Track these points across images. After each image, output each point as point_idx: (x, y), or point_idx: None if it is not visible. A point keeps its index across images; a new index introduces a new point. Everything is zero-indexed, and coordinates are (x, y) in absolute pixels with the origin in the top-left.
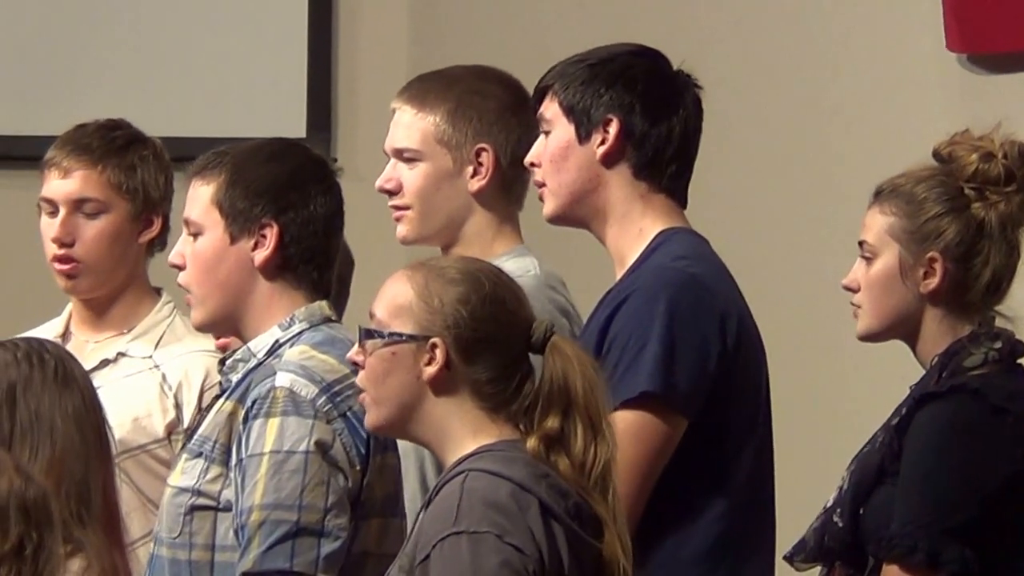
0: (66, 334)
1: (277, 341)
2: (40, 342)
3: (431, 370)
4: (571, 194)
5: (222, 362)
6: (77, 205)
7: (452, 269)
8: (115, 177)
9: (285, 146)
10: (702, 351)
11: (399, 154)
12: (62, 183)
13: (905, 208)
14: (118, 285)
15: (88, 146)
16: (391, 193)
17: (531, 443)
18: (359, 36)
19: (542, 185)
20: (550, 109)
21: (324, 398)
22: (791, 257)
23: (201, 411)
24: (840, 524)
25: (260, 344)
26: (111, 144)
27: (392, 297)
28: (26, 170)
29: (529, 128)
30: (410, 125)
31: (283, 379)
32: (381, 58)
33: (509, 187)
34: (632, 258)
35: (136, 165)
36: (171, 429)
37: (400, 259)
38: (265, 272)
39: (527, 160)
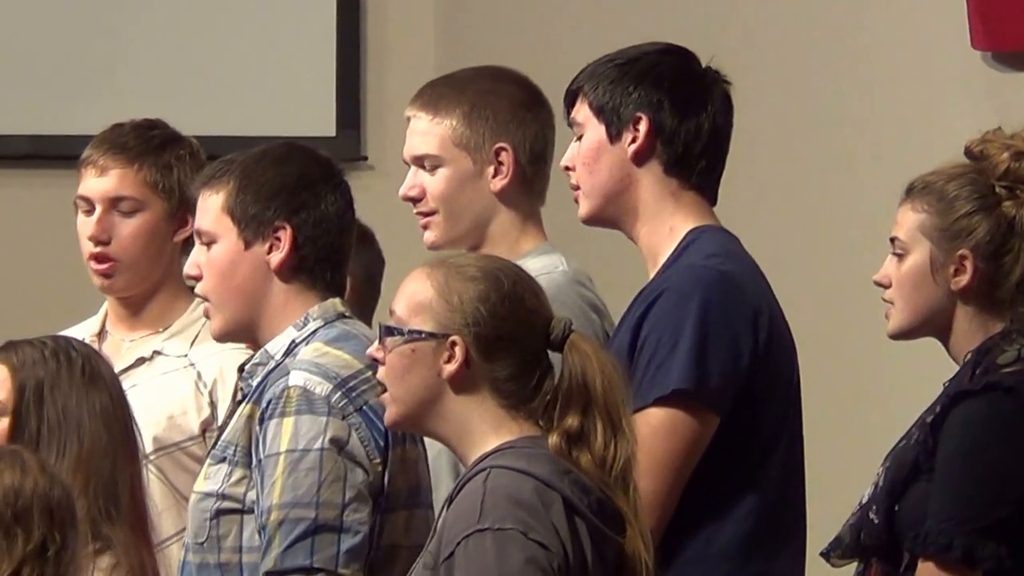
0: (102, 333)
1: (293, 341)
2: (67, 340)
3: (451, 368)
4: (604, 195)
5: (241, 368)
6: (113, 203)
7: (472, 267)
8: (151, 176)
9: (290, 149)
10: (734, 348)
11: (419, 161)
12: (98, 181)
13: (936, 205)
14: (153, 284)
15: (125, 145)
16: (415, 201)
17: (553, 439)
18: (387, 34)
19: (576, 188)
20: (581, 112)
21: (339, 394)
22: (819, 253)
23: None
24: (876, 520)
25: (277, 346)
26: (148, 143)
27: (412, 294)
28: (59, 169)
29: (544, 124)
30: (427, 131)
31: (296, 378)
32: (409, 56)
33: (530, 184)
34: (664, 256)
35: (172, 164)
36: (206, 426)
37: (430, 256)
38: (281, 274)
39: (561, 163)
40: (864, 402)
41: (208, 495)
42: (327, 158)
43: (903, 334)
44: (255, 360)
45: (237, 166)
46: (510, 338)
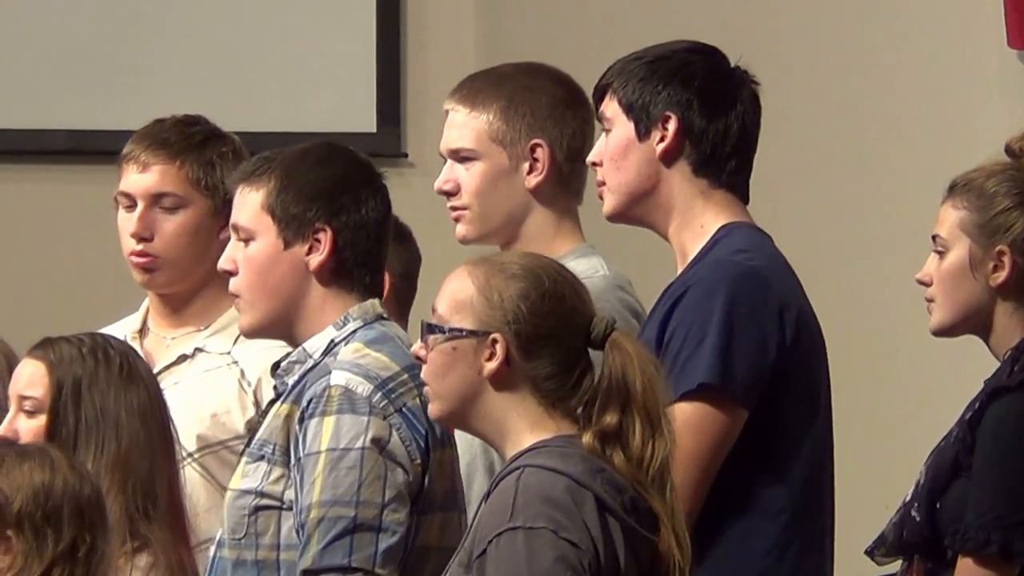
0: (143, 329)
1: (332, 341)
2: (105, 337)
3: (491, 365)
4: (630, 192)
5: (276, 366)
6: (155, 199)
7: (513, 265)
8: (193, 173)
9: (332, 149)
10: (761, 343)
11: (455, 154)
12: (140, 177)
13: (976, 202)
14: (197, 282)
15: (166, 141)
16: (449, 194)
17: (586, 439)
18: (427, 31)
19: (603, 184)
20: (610, 107)
21: (380, 395)
22: (851, 252)
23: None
24: (918, 518)
25: (316, 345)
26: (189, 139)
27: (453, 292)
28: (99, 164)
29: (584, 122)
30: (464, 125)
31: (338, 377)
32: (449, 52)
33: (567, 182)
34: (694, 253)
35: (215, 162)
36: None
37: (468, 253)
38: (319, 277)
39: (588, 159)
40: (903, 400)
41: (246, 492)
42: (368, 161)
43: (944, 331)
44: (292, 358)
45: (278, 164)
46: (550, 336)
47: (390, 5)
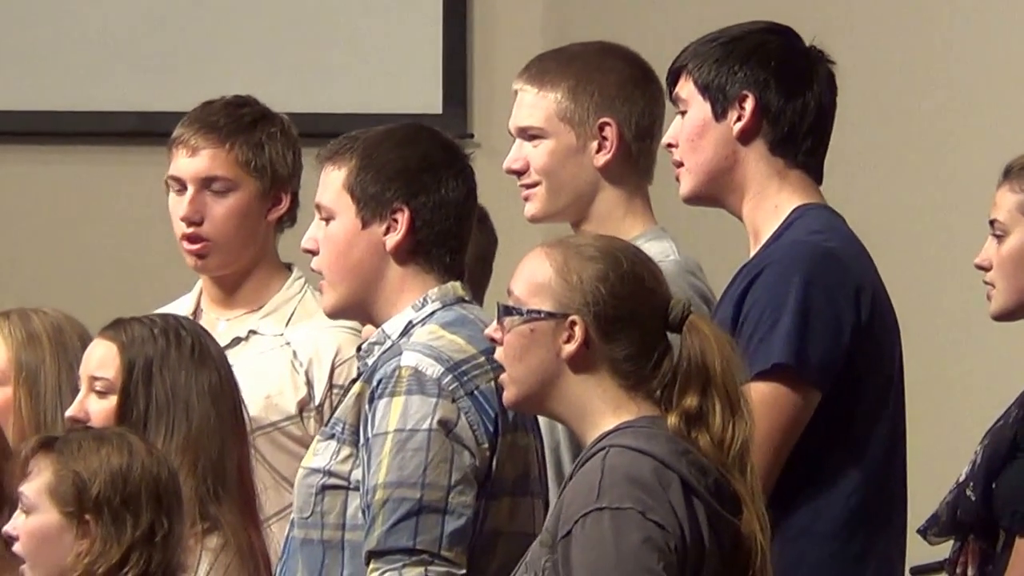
0: (197, 311)
1: (410, 322)
2: (176, 319)
3: (570, 348)
4: (708, 172)
5: (359, 348)
6: (205, 183)
7: (590, 247)
8: (243, 155)
9: (416, 130)
10: (836, 324)
11: (523, 133)
12: (190, 161)
13: None
14: (248, 263)
15: (215, 124)
16: (519, 173)
17: (672, 420)
18: (494, 11)
19: (679, 165)
20: (685, 88)
21: (450, 377)
22: (925, 233)
23: (332, 388)
24: (973, 498)
25: (394, 326)
26: (238, 122)
27: (530, 274)
28: (163, 146)
29: (652, 100)
30: (532, 104)
31: (409, 358)
32: (516, 33)
33: (635, 161)
34: (767, 233)
35: (264, 143)
36: (303, 406)
37: (537, 234)
38: (397, 256)
39: (664, 141)
40: (963, 381)
41: (315, 471)
42: (452, 142)
43: (1006, 315)
44: (372, 339)
45: (361, 143)
46: (629, 318)
47: None
